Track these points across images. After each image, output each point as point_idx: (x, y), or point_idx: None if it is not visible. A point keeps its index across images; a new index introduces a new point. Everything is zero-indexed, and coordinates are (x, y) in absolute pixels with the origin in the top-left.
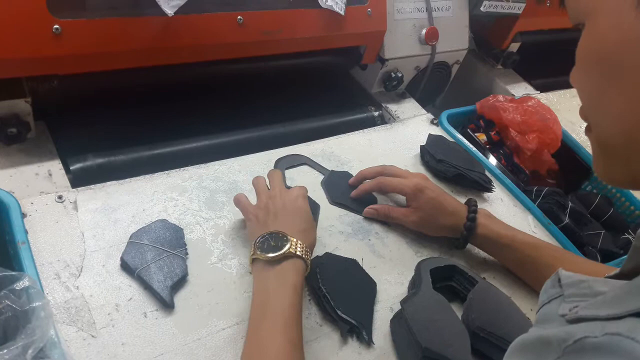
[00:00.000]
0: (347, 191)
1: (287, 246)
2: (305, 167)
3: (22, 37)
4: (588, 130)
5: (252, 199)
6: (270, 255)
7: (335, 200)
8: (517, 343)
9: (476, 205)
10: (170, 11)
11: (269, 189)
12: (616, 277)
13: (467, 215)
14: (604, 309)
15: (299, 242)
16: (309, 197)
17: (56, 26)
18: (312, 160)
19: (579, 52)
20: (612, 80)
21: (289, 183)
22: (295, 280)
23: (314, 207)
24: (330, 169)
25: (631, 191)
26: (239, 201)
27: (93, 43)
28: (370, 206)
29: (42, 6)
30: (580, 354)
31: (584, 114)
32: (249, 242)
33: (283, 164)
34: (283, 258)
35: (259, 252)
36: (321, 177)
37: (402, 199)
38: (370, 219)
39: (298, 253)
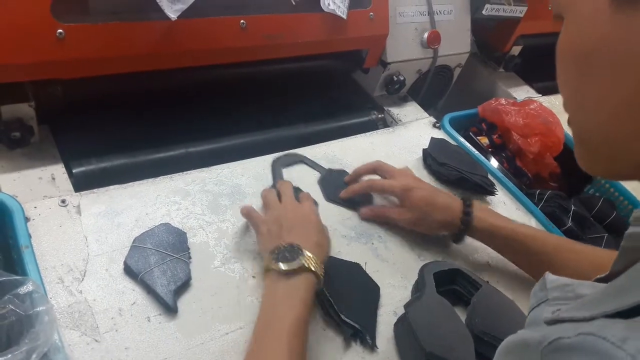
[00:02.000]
0: (344, 189)
1: (302, 259)
2: (302, 166)
3: (25, 41)
4: (569, 123)
5: (256, 205)
6: (285, 267)
7: (330, 198)
8: (503, 345)
9: (470, 199)
10: (173, 15)
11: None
12: (605, 278)
13: (463, 209)
14: (581, 311)
15: (313, 256)
16: None
17: (60, 30)
18: (309, 159)
19: (558, 46)
20: (586, 76)
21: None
22: (306, 295)
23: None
24: (327, 167)
25: (634, 194)
26: (249, 214)
27: (96, 47)
28: (367, 207)
29: (45, 11)
30: (555, 354)
31: (565, 106)
32: (261, 253)
33: (280, 163)
34: (296, 271)
35: (273, 263)
36: (318, 175)
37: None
38: (372, 223)
39: (312, 268)
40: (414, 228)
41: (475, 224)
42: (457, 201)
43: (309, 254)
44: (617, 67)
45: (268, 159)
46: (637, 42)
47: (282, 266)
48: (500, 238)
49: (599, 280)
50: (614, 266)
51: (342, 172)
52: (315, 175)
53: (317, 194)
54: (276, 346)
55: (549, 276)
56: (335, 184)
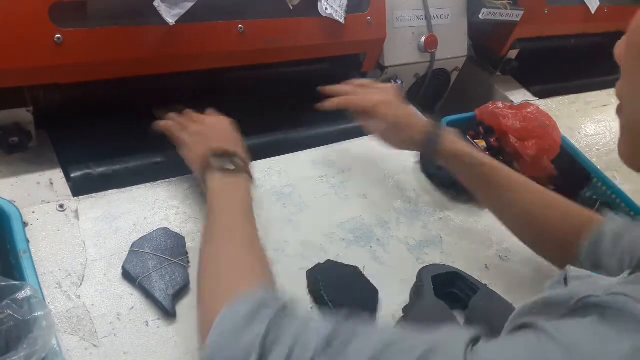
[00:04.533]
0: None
1: (238, 161)
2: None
3: (24, 46)
4: (619, 110)
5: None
6: (229, 166)
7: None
8: (519, 310)
9: (440, 124)
10: (171, 20)
11: None
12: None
13: (431, 129)
14: (621, 286)
15: (244, 158)
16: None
17: (58, 35)
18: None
19: (630, 27)
20: None
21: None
22: (248, 190)
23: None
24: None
25: (631, 197)
26: (167, 125)
27: (95, 52)
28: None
29: (44, 16)
30: (583, 312)
31: (620, 91)
32: (192, 159)
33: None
34: (237, 171)
35: (217, 162)
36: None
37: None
38: (370, 227)
39: (247, 170)
40: (385, 141)
41: (440, 142)
42: (426, 121)
43: (241, 155)
44: None
45: (265, 163)
46: None
47: (229, 166)
48: (463, 161)
49: None
50: (636, 267)
51: None
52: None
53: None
54: (239, 221)
55: (571, 268)
56: None
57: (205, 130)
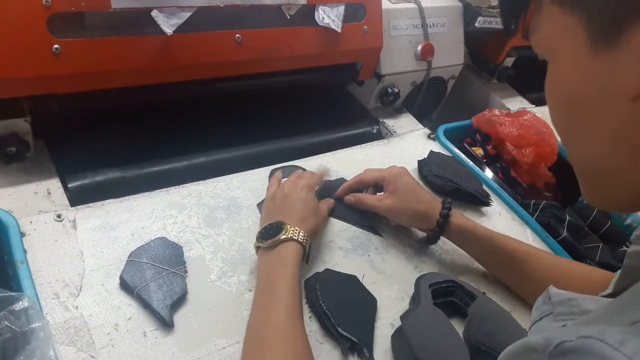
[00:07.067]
0: (342, 203)
1: (283, 233)
2: None
3: (22, 56)
4: (568, 157)
5: (252, 219)
6: (267, 243)
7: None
8: (505, 353)
9: (451, 203)
10: (169, 30)
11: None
12: (609, 295)
13: (443, 206)
14: (587, 328)
15: (296, 228)
16: None
17: (56, 46)
18: (307, 170)
19: (546, 88)
20: (575, 114)
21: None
22: (293, 259)
23: None
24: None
25: None
26: (270, 185)
27: (92, 62)
28: (351, 195)
29: (42, 26)
30: (560, 358)
31: (562, 143)
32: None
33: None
34: (280, 242)
35: (259, 241)
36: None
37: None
38: (369, 233)
39: (294, 238)
40: (392, 215)
41: (453, 220)
42: (438, 201)
43: (292, 227)
44: (600, 105)
45: (264, 172)
46: (616, 80)
47: (264, 243)
48: (476, 238)
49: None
50: (618, 283)
51: (340, 180)
52: None
53: None
54: (276, 308)
55: (553, 290)
56: (330, 196)
57: (278, 198)
